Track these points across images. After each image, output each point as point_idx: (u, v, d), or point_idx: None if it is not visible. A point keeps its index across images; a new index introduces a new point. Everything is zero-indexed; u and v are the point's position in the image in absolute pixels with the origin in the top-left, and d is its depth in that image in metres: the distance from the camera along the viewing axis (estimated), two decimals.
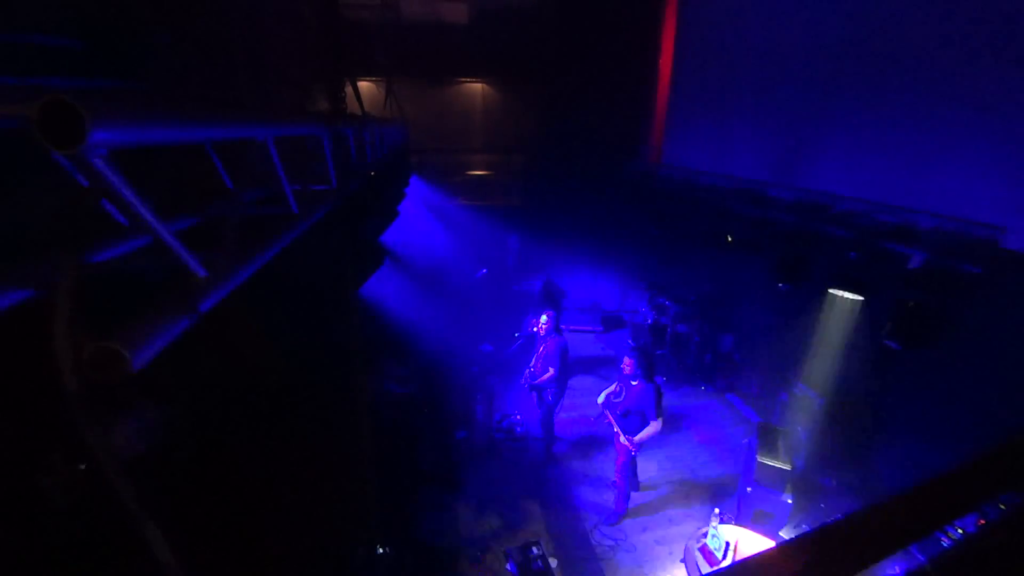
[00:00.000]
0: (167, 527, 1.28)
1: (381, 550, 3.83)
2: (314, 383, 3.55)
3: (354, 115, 4.63)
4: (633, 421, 4.78)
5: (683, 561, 4.50)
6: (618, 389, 4.96)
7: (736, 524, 4.40)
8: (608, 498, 5.38)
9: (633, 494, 5.39)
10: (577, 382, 7.76)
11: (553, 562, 4.38)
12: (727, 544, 4.15)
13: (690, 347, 8.13)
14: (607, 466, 5.85)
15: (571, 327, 9.43)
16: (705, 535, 4.31)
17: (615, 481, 5.19)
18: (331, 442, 3.66)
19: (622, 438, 4.78)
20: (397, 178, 5.92)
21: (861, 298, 4.81)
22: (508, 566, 4.30)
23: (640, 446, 4.80)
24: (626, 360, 4.78)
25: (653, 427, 4.67)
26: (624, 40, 9.88)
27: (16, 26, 2.71)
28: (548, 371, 5.61)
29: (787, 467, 4.80)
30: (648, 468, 5.85)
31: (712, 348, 7.95)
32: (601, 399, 5.05)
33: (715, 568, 4.10)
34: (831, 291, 5.20)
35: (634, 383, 4.77)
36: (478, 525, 5.11)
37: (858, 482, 5.18)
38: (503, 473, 5.90)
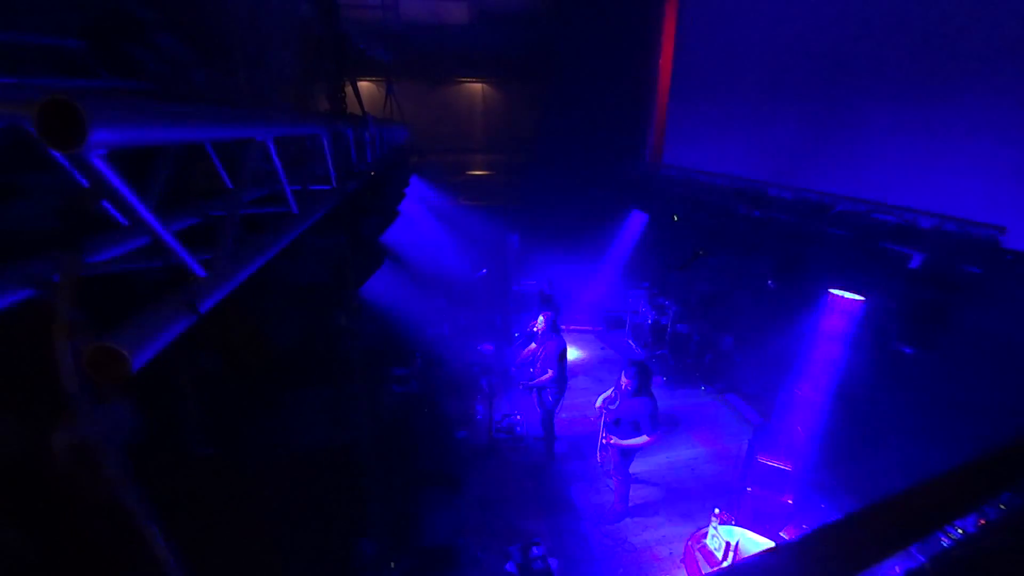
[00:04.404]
0: (167, 527, 1.28)
1: (393, 564, 3.82)
2: (314, 384, 3.55)
3: (354, 115, 4.63)
4: (624, 430, 4.77)
5: (683, 561, 4.50)
6: (614, 396, 4.95)
7: (736, 524, 4.40)
8: (608, 498, 5.38)
9: (633, 494, 5.39)
10: (577, 382, 7.76)
11: (553, 562, 4.38)
12: (727, 544, 4.15)
13: (690, 347, 8.12)
14: (607, 466, 5.85)
15: (571, 326, 9.44)
16: (705, 535, 4.31)
17: (612, 483, 5.19)
18: (331, 442, 3.67)
19: (612, 439, 4.78)
20: (397, 178, 5.91)
21: (861, 298, 4.81)
22: (508, 566, 4.30)
23: (623, 450, 4.79)
24: (624, 378, 4.73)
25: (643, 439, 4.66)
26: (624, 40, 9.86)
27: (16, 26, 2.72)
28: (547, 372, 5.61)
29: (787, 467, 4.79)
30: (648, 468, 5.85)
31: (712, 348, 7.94)
32: (599, 403, 5.04)
33: (715, 568, 4.10)
34: (831, 291, 5.19)
35: (632, 394, 4.75)
36: (478, 525, 5.11)
37: (858, 482, 5.18)
38: (503, 473, 5.89)
